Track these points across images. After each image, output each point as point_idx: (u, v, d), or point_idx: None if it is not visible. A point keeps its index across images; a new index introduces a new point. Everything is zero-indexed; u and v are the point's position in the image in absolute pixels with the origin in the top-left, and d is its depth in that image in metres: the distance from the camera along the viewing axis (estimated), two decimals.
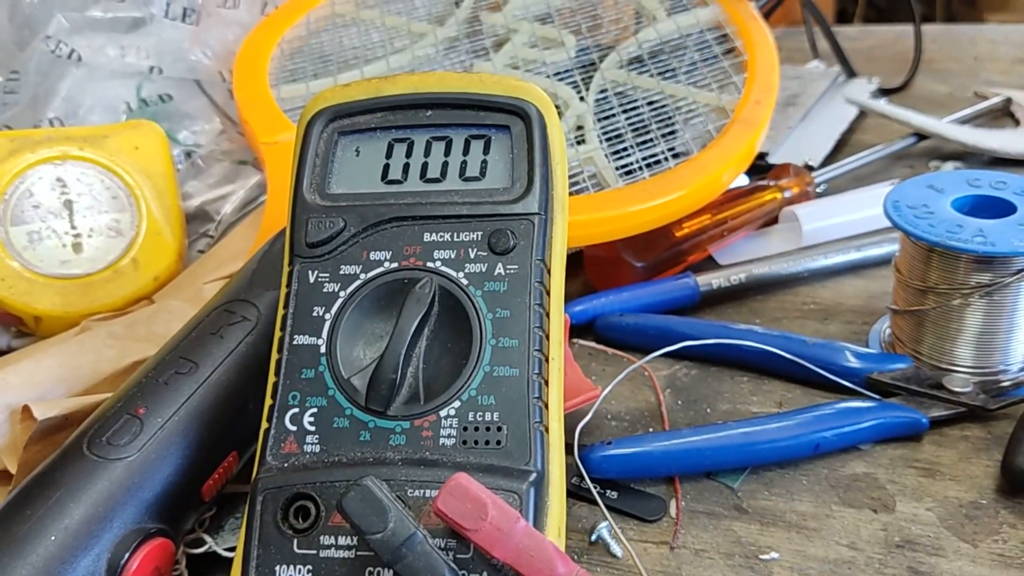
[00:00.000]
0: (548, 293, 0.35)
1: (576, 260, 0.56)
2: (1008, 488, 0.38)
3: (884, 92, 0.79)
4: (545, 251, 0.36)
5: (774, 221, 0.60)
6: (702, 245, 0.56)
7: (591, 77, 0.61)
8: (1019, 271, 0.41)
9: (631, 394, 0.46)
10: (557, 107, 0.59)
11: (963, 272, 0.42)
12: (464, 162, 0.38)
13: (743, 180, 0.60)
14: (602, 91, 0.60)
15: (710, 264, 0.56)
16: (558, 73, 0.62)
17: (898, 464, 0.40)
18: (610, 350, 0.49)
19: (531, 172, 0.37)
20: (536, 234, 0.36)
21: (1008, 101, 0.73)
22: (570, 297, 0.52)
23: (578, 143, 0.56)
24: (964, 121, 0.71)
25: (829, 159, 0.67)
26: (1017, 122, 0.72)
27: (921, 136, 0.68)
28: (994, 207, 0.44)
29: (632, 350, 0.49)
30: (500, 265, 0.35)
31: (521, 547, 0.28)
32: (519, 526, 0.28)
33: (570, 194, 0.52)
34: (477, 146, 0.38)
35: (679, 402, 0.45)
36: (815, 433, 0.40)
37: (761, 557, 0.36)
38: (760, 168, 0.63)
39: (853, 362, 0.45)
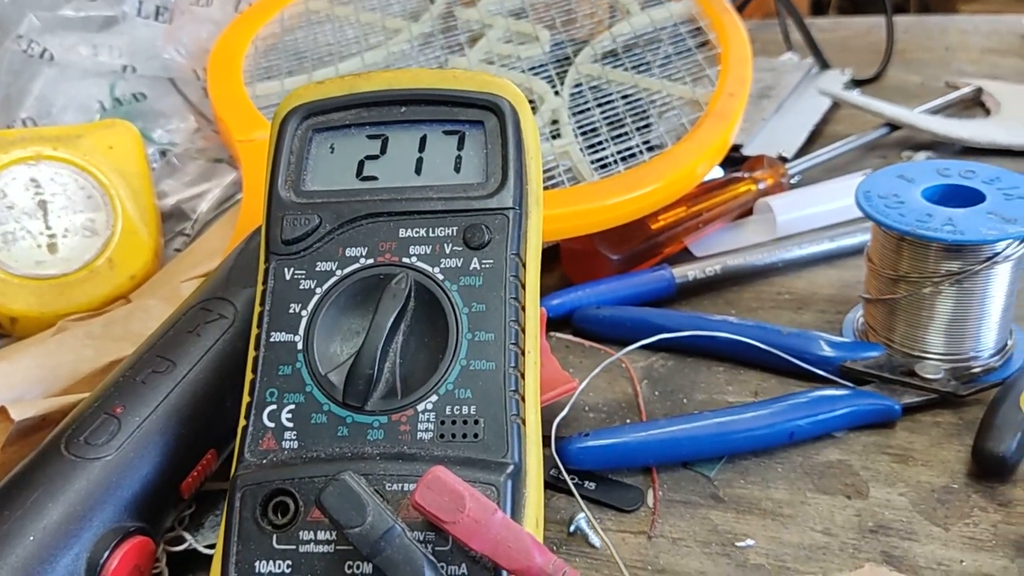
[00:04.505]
0: (523, 287, 0.35)
1: (553, 254, 0.56)
2: (979, 472, 0.39)
3: (857, 83, 0.79)
4: (520, 245, 0.36)
5: (749, 212, 0.60)
6: (678, 237, 0.57)
7: (566, 71, 0.61)
8: (988, 259, 0.42)
9: (608, 386, 0.47)
10: (532, 102, 0.60)
11: (933, 260, 0.43)
12: (438, 158, 0.38)
13: (718, 172, 0.61)
14: (577, 85, 0.60)
15: (686, 256, 0.56)
16: (533, 68, 0.62)
17: (871, 450, 0.41)
18: (587, 343, 0.49)
19: (505, 167, 0.37)
20: (511, 228, 0.36)
21: (979, 91, 0.74)
22: (547, 291, 0.52)
23: (553, 137, 0.57)
24: (935, 111, 0.72)
25: (803, 150, 0.67)
26: (988, 111, 0.72)
27: (893, 126, 0.69)
28: (963, 196, 0.44)
29: (609, 342, 0.49)
30: (475, 260, 0.35)
31: (499, 538, 0.28)
32: (496, 518, 0.28)
33: (545, 188, 0.53)
34: (451, 142, 0.38)
35: (656, 393, 0.46)
36: (790, 422, 0.41)
37: (737, 544, 0.37)
38: (735, 160, 0.63)
39: (827, 351, 0.45)
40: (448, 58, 0.63)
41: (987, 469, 0.38)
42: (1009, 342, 0.45)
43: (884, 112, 0.68)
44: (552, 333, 0.50)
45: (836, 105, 0.74)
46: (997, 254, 0.42)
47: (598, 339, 0.50)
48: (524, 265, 0.36)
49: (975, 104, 0.74)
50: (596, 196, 0.51)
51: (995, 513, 0.37)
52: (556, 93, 0.59)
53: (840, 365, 0.45)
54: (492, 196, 0.36)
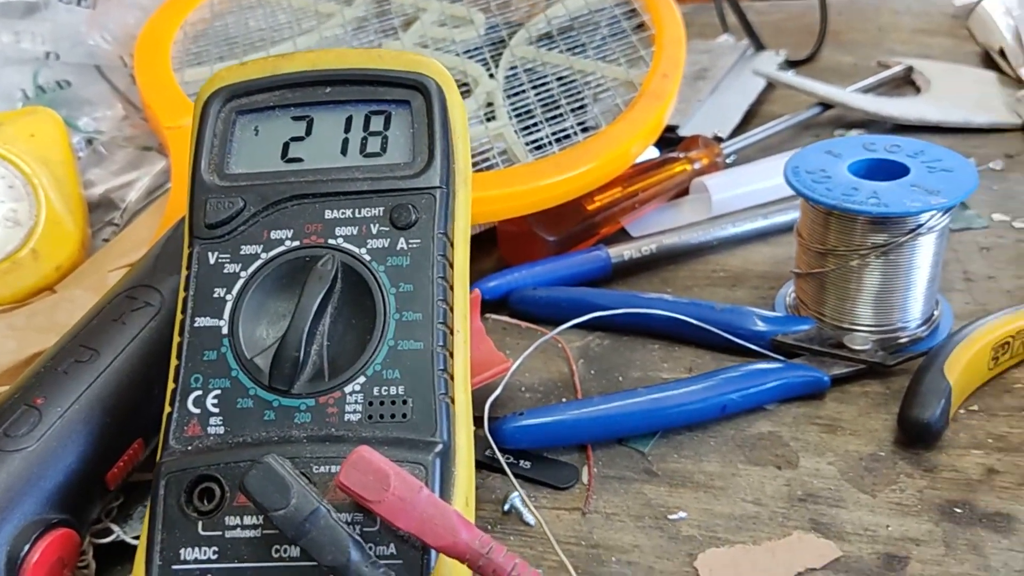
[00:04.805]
0: (451, 266, 0.35)
1: (490, 236, 0.56)
2: (905, 439, 0.39)
3: (792, 64, 0.80)
4: (448, 224, 0.36)
5: (685, 192, 0.61)
6: (614, 218, 0.57)
7: (501, 54, 0.61)
8: (912, 231, 0.42)
9: (544, 366, 0.47)
10: (466, 85, 0.60)
11: (860, 233, 0.44)
12: (365, 138, 0.37)
13: (653, 153, 0.61)
14: (512, 68, 0.60)
15: (623, 236, 0.57)
16: (467, 51, 0.62)
17: (802, 422, 0.41)
18: (524, 324, 0.49)
19: (432, 146, 0.37)
20: (438, 208, 0.36)
21: (909, 69, 0.76)
22: (485, 273, 0.52)
23: (488, 120, 0.57)
24: (867, 90, 0.73)
25: (738, 130, 0.68)
26: (918, 89, 0.74)
27: (826, 106, 0.70)
28: (889, 170, 0.45)
29: (546, 323, 0.49)
30: (402, 240, 0.35)
31: (425, 516, 0.28)
32: (423, 496, 0.28)
33: (480, 170, 0.53)
34: (377, 122, 0.38)
35: (592, 372, 0.46)
36: (722, 396, 0.41)
37: (669, 517, 0.37)
38: (671, 141, 0.63)
39: (759, 326, 0.46)
40: (382, 42, 0.63)
41: (912, 436, 0.39)
42: (936, 312, 0.46)
43: (817, 91, 0.69)
44: (488, 315, 0.50)
45: (771, 86, 0.75)
46: (921, 225, 0.42)
47: (535, 320, 0.50)
48: (452, 244, 0.36)
49: (906, 83, 0.76)
50: (530, 177, 0.51)
51: (920, 479, 0.38)
52: (491, 76, 0.59)
53: (772, 339, 0.45)
54: (418, 176, 0.36)
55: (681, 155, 0.61)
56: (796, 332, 0.45)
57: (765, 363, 0.43)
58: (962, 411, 0.41)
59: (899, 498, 0.37)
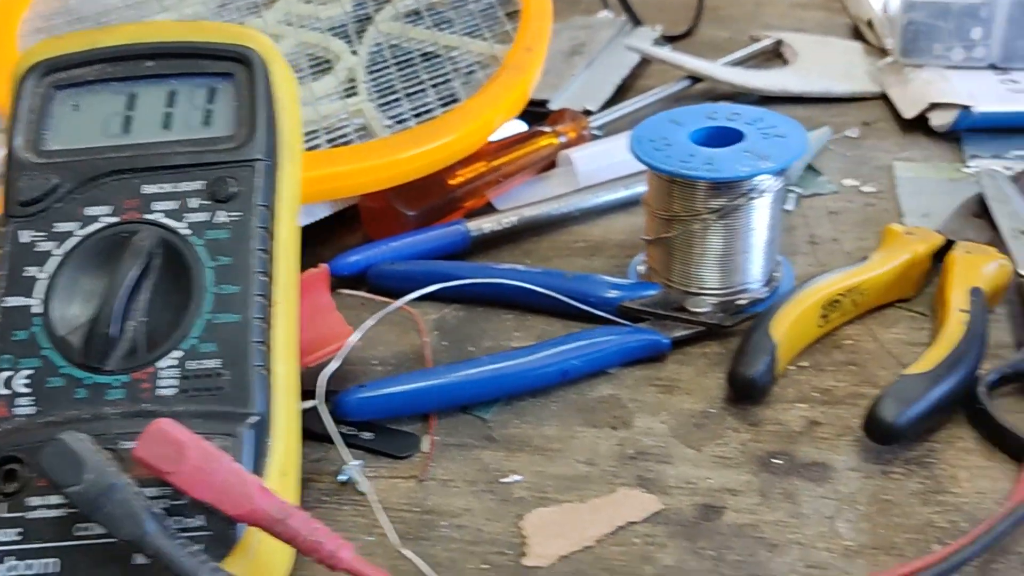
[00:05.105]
0: (273, 237, 0.35)
1: (357, 213, 0.56)
2: (734, 396, 0.41)
3: (669, 39, 0.81)
4: (270, 196, 0.36)
5: (554, 166, 0.61)
6: (479, 192, 0.57)
7: (366, 31, 0.61)
8: (745, 194, 0.44)
9: (398, 339, 0.47)
10: (327, 61, 0.59)
11: (701, 199, 0.44)
12: (188, 112, 0.37)
13: (521, 127, 0.61)
14: (376, 44, 0.60)
15: (490, 211, 0.57)
16: (333, 28, 0.61)
17: (641, 384, 0.42)
18: (379, 298, 0.49)
19: (254, 118, 0.36)
20: (260, 180, 0.36)
21: (779, 43, 0.77)
22: (348, 250, 0.52)
23: (348, 96, 0.56)
24: (737, 63, 0.74)
25: (609, 104, 0.68)
26: (786, 62, 0.75)
27: (695, 79, 0.71)
28: (727, 137, 0.46)
29: (398, 297, 0.49)
30: (222, 213, 0.35)
31: (225, 486, 0.28)
32: (223, 465, 0.28)
33: (336, 146, 0.53)
34: (201, 95, 0.37)
35: (445, 343, 0.46)
36: (563, 362, 0.42)
37: (502, 480, 0.37)
38: (542, 115, 0.64)
39: (608, 293, 0.46)
40: (245, 20, 0.62)
41: (739, 392, 0.40)
42: (776, 273, 0.48)
43: (685, 65, 0.70)
44: (345, 290, 0.50)
45: (648, 62, 0.76)
46: (753, 189, 0.44)
47: (392, 294, 0.49)
48: (275, 216, 0.35)
49: (776, 55, 0.77)
50: (386, 151, 0.51)
51: (745, 433, 0.39)
52: (354, 52, 0.59)
53: (619, 305, 0.46)
54: (240, 148, 0.36)
55: (548, 129, 0.61)
56: (642, 297, 0.46)
57: (606, 328, 0.44)
58: (792, 367, 0.42)
59: (723, 452, 0.38)
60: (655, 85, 0.71)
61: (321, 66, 0.59)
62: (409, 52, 0.59)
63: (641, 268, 0.50)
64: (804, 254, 0.51)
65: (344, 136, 0.53)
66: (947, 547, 0.31)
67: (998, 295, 0.44)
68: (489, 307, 0.49)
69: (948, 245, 0.46)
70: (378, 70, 0.58)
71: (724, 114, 0.48)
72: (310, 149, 0.52)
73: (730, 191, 0.44)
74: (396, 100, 0.55)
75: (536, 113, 0.64)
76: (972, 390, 0.38)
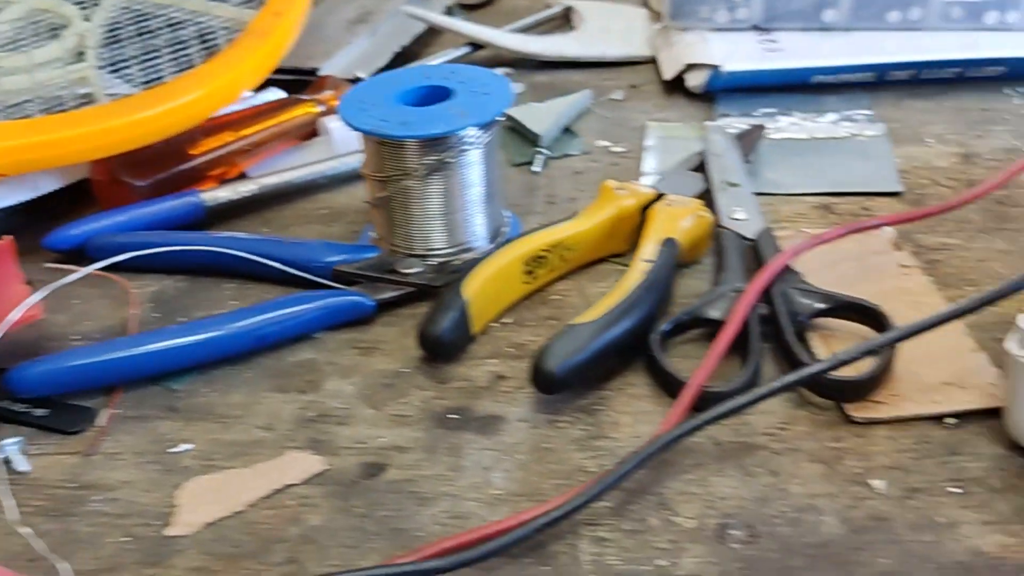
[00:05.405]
0: None
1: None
2: (425, 355, 0.40)
3: (467, 7, 0.81)
4: None
5: (316, 135, 0.60)
6: (229, 162, 0.56)
7: None
8: (449, 150, 0.43)
9: (109, 313, 0.45)
10: (58, 25, 0.57)
11: (409, 158, 0.44)
12: None
13: (280, 95, 0.60)
14: (121, 9, 0.57)
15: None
16: None
17: (344, 347, 0.42)
18: (84, 269, 0.47)
19: None
20: None
21: (568, 9, 0.78)
22: None
23: (76, 63, 0.54)
24: (525, 29, 0.74)
25: (384, 71, 0.67)
26: (573, 27, 0.76)
27: (477, 46, 0.70)
28: (441, 96, 0.46)
29: (124, 270, 0.47)
30: None
31: None
32: None
33: (50, 114, 0.50)
34: None
35: (156, 315, 0.45)
36: (258, 328, 0.41)
37: (170, 451, 0.36)
38: (308, 84, 0.63)
39: (326, 257, 0.46)
40: None
41: (427, 350, 0.40)
42: (504, 229, 0.48)
43: (464, 31, 0.70)
44: (53, 264, 0.47)
45: (435, 30, 0.75)
46: (458, 144, 0.43)
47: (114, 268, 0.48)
48: None
49: (565, 22, 0.77)
50: (101, 118, 0.49)
51: (430, 391, 0.39)
52: (86, 19, 0.56)
53: (334, 269, 0.45)
54: None
55: (307, 97, 0.60)
56: (359, 261, 0.46)
57: (312, 293, 0.43)
58: (496, 325, 0.42)
59: (402, 410, 0.38)
60: (437, 52, 0.71)
61: (53, 33, 0.56)
62: (152, 17, 0.57)
63: (372, 234, 0.50)
64: (539, 214, 0.51)
65: (61, 104, 0.51)
66: (574, 488, 0.32)
67: (700, 246, 0.45)
68: (213, 278, 0.47)
69: (658, 199, 0.46)
70: (115, 37, 0.55)
71: (440, 74, 0.47)
72: (21, 118, 0.49)
73: (436, 148, 0.43)
74: (126, 67, 0.53)
75: (306, 82, 0.62)
76: (646, 338, 0.38)
